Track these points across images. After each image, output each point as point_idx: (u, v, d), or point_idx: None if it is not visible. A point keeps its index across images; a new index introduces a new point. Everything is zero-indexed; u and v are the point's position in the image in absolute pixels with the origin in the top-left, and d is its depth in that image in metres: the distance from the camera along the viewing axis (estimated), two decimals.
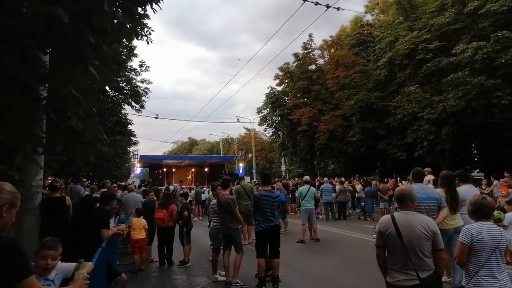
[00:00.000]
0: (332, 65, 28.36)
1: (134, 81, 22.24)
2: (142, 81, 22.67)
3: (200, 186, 20.17)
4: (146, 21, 4.38)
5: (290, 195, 16.94)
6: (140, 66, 21.96)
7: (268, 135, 40.04)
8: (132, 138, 25.28)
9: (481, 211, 3.18)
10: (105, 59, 4.10)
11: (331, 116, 25.79)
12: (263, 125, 34.04)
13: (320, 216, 15.04)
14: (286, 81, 30.95)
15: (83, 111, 4.11)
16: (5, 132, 3.91)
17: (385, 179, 19.11)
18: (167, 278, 7.01)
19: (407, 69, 21.34)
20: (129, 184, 13.22)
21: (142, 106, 22.91)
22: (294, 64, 30.16)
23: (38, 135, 3.92)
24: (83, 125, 4.14)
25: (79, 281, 2.62)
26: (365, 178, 25.03)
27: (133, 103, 22.38)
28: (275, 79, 31.70)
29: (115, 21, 3.68)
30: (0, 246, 1.85)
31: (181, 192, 11.02)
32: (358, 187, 17.05)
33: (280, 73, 30.98)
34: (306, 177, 12.23)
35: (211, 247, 7.25)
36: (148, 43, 4.78)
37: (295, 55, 29.69)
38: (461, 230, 3.23)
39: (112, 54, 4.43)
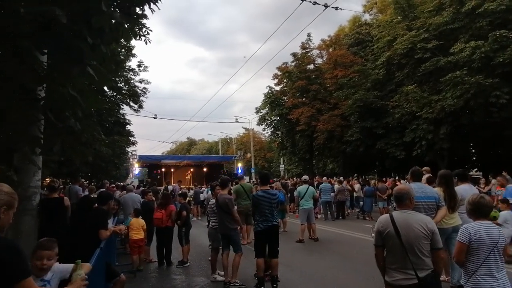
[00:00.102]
0: (330, 65, 28.39)
1: (132, 81, 22.25)
2: (141, 81, 22.69)
3: (199, 186, 20.17)
4: (144, 21, 4.37)
5: (289, 195, 16.94)
6: (139, 66, 21.99)
7: (267, 134, 40.12)
8: (130, 138, 25.27)
9: (479, 210, 3.18)
10: (103, 59, 4.09)
11: (330, 115, 25.82)
12: (261, 125, 34.06)
13: (319, 216, 15.05)
14: (285, 80, 30.97)
15: (81, 111, 4.11)
16: (3, 132, 3.90)
17: (384, 179, 19.15)
18: (166, 278, 7.01)
19: (405, 69, 21.37)
20: (128, 184, 13.19)
21: (140, 106, 22.91)
22: (293, 64, 30.18)
23: (36, 136, 3.91)
24: (81, 125, 4.13)
25: (77, 282, 2.61)
26: (364, 178, 25.08)
27: (131, 103, 22.37)
28: (273, 79, 31.77)
29: (113, 21, 3.68)
30: None
31: (180, 192, 11.01)
32: (357, 186, 17.07)
33: (279, 73, 30.99)
34: (305, 177, 12.23)
35: (210, 247, 7.24)
36: (146, 43, 4.76)
37: (294, 54, 29.72)
38: (459, 229, 3.24)
39: (110, 54, 4.43)
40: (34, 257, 2.80)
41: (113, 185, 15.60)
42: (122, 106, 22.20)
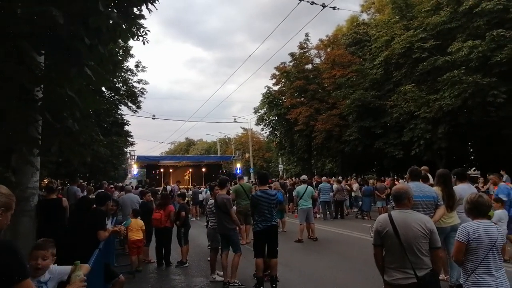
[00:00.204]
0: (328, 65, 28.42)
1: (130, 81, 22.19)
2: (139, 82, 22.65)
3: (198, 186, 20.15)
4: (142, 21, 4.38)
5: (287, 195, 16.96)
6: (136, 66, 21.94)
7: (265, 134, 40.05)
8: (128, 138, 25.21)
9: (477, 209, 3.19)
10: (100, 59, 4.09)
11: (328, 115, 25.84)
12: (260, 125, 34.03)
13: (318, 216, 15.06)
14: (283, 80, 30.97)
15: (79, 112, 4.10)
16: (1, 133, 3.89)
17: (382, 178, 19.17)
18: (165, 278, 7.00)
19: (403, 68, 21.42)
20: (126, 185, 13.18)
21: (138, 107, 22.88)
22: (291, 64, 30.19)
23: (34, 136, 3.89)
24: (79, 126, 4.12)
25: (76, 283, 2.60)
26: (363, 177, 25.10)
27: (129, 104, 22.34)
28: (271, 79, 31.77)
29: (111, 22, 3.67)
30: None
31: (179, 192, 10.99)
32: (355, 186, 17.08)
33: (277, 73, 31.00)
34: (304, 177, 12.24)
35: (209, 247, 7.24)
36: (144, 43, 4.76)
37: (292, 54, 29.72)
38: (458, 228, 3.24)
39: (107, 55, 4.42)
40: (30, 257, 2.81)
41: (112, 186, 15.58)
42: (120, 107, 22.17)
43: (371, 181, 17.43)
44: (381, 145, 22.39)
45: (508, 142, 17.29)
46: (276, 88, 31.91)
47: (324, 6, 13.45)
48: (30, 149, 3.93)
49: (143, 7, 4.26)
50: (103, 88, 16.44)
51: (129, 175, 48.13)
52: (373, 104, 22.94)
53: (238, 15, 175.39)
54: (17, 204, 2.17)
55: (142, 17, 4.28)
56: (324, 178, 17.00)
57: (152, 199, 9.13)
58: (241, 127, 52.68)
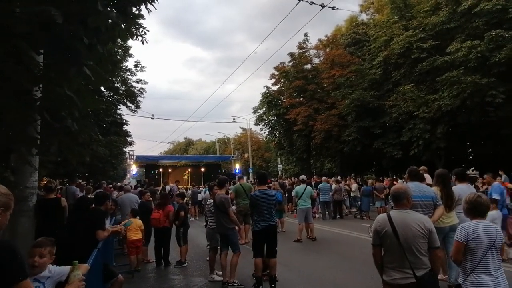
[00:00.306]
0: (327, 65, 28.42)
1: (129, 81, 22.14)
2: (138, 81, 22.60)
3: (197, 186, 20.16)
4: (141, 21, 4.37)
5: (286, 195, 16.96)
6: (136, 66, 21.89)
7: (264, 134, 40.08)
8: (127, 138, 25.17)
9: (476, 209, 3.19)
10: (99, 59, 4.09)
11: (327, 115, 25.85)
12: (259, 124, 34.01)
13: (317, 215, 15.07)
14: (282, 80, 30.96)
15: (77, 112, 4.09)
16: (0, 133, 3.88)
17: (381, 178, 19.17)
18: (164, 278, 7.00)
19: (402, 68, 21.43)
20: (125, 185, 13.16)
21: (137, 106, 22.84)
22: (290, 64, 30.17)
23: (33, 136, 3.89)
24: (78, 125, 4.11)
25: (75, 283, 2.60)
26: (362, 177, 25.12)
27: (128, 103, 22.29)
28: (271, 79, 31.74)
29: (110, 21, 3.67)
30: None
31: (178, 192, 10.99)
32: (354, 186, 17.09)
33: (276, 73, 30.99)
34: (303, 177, 12.24)
35: (208, 247, 7.24)
36: (143, 43, 4.76)
37: (291, 54, 29.69)
38: (456, 228, 3.25)
39: (106, 54, 4.42)
40: (27, 255, 2.81)
41: (111, 186, 15.56)
42: (119, 106, 22.11)
43: (370, 181, 17.44)
44: (380, 145, 22.41)
45: (507, 142, 17.33)
46: (275, 88, 31.93)
47: (323, 6, 13.46)
48: (29, 148, 3.92)
49: (142, 7, 4.26)
50: (102, 88, 16.41)
51: (128, 175, 48.09)
52: (372, 104, 22.95)
53: (237, 15, 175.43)
54: (16, 204, 2.17)
55: (141, 16, 4.28)
56: (324, 178, 17.00)
57: (151, 199, 9.12)
58: (240, 127, 52.75)
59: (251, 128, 45.53)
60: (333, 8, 14.43)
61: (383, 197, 14.43)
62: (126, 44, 17.95)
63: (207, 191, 11.18)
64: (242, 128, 51.10)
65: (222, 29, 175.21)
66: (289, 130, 29.84)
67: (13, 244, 2.01)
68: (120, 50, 18.05)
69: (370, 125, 23.04)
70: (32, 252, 2.83)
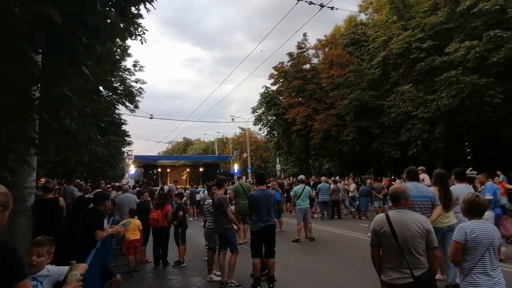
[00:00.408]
0: (326, 65, 28.42)
1: (128, 81, 22.14)
2: (136, 81, 22.60)
3: (195, 186, 20.15)
4: (140, 20, 4.36)
5: (285, 195, 16.96)
6: (134, 66, 21.89)
7: (263, 134, 40.04)
8: (126, 138, 25.18)
9: (474, 209, 3.20)
10: (98, 59, 4.08)
11: (326, 115, 25.85)
12: (258, 124, 34.01)
13: (315, 215, 15.08)
14: (281, 80, 30.95)
15: (76, 111, 4.08)
16: None
17: (380, 178, 19.19)
18: (162, 278, 6.99)
19: (400, 68, 21.44)
20: (124, 185, 13.15)
21: (136, 106, 22.83)
22: (289, 64, 30.17)
23: (31, 136, 3.88)
24: (76, 125, 4.11)
25: (73, 282, 2.60)
26: (361, 178, 25.14)
27: (127, 103, 22.28)
28: (269, 79, 31.72)
29: (108, 21, 3.66)
30: None
31: (176, 192, 10.98)
32: (352, 186, 17.11)
33: (275, 73, 30.97)
34: (301, 177, 12.25)
35: (206, 247, 7.24)
36: (142, 42, 4.75)
37: (290, 54, 29.69)
38: (454, 228, 3.25)
39: (105, 54, 4.40)
40: (26, 254, 2.81)
41: (109, 186, 15.54)
42: (117, 106, 22.10)
43: (368, 181, 17.46)
44: (379, 145, 22.42)
45: (505, 142, 17.35)
46: (274, 88, 31.92)
47: (322, 6, 13.47)
48: (27, 148, 3.91)
49: (141, 6, 4.25)
50: (101, 88, 16.41)
51: (127, 175, 48.09)
52: (371, 104, 22.97)
53: (236, 15, 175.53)
54: (14, 203, 2.17)
55: (140, 16, 4.27)
56: (323, 178, 17.02)
57: (149, 199, 9.12)
58: (239, 127, 52.80)
59: (249, 128, 45.53)
60: (332, 8, 14.47)
61: (382, 197, 14.46)
62: (125, 43, 17.95)
63: (206, 191, 11.18)
64: (241, 128, 51.16)
65: (221, 29, 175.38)
66: (288, 130, 29.84)
67: (12, 244, 2.01)
68: (118, 50, 18.04)
69: (369, 125, 23.05)
70: (30, 251, 2.83)
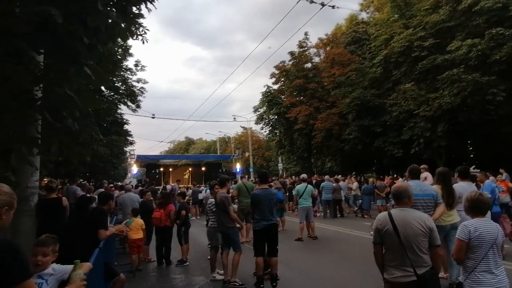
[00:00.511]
0: (328, 63, 28.40)
1: (129, 80, 22.15)
2: (138, 81, 22.61)
3: (197, 185, 20.16)
4: (141, 20, 4.36)
5: (287, 193, 16.96)
6: (136, 65, 21.90)
7: (265, 133, 40.06)
8: (128, 138, 25.17)
9: (478, 207, 3.19)
10: (100, 59, 4.08)
11: (328, 114, 25.82)
12: (259, 123, 33.98)
13: (318, 214, 15.07)
14: (282, 79, 30.94)
15: (78, 111, 4.09)
16: (0, 133, 3.88)
17: (382, 176, 19.16)
18: (165, 277, 7.01)
19: (402, 67, 21.40)
20: (126, 184, 13.17)
21: (138, 106, 22.86)
22: (290, 63, 30.15)
23: (33, 136, 3.89)
24: (78, 125, 4.11)
25: (76, 282, 2.61)
26: (364, 176, 25.10)
27: (129, 103, 22.32)
28: (271, 78, 31.72)
29: (109, 21, 3.67)
30: None
31: (179, 191, 11.00)
32: (354, 184, 17.08)
33: (276, 72, 30.96)
34: (303, 175, 12.24)
35: (209, 246, 7.25)
36: (143, 42, 4.76)
37: (291, 53, 29.66)
38: (458, 227, 3.24)
39: (107, 54, 4.41)
40: (31, 254, 2.82)
41: (112, 185, 15.57)
42: (119, 106, 22.11)
43: (371, 179, 17.43)
44: (381, 143, 22.38)
45: (507, 140, 17.30)
46: (275, 87, 31.90)
47: (323, 4, 13.45)
48: (29, 148, 3.93)
49: (142, 6, 4.25)
50: (103, 88, 16.42)
51: (129, 174, 48.03)
52: (373, 103, 22.94)
53: (237, 14, 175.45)
54: (17, 203, 2.18)
55: (141, 16, 4.28)
56: (326, 176, 16.99)
57: (152, 198, 9.13)
58: (240, 126, 52.74)
59: (251, 127, 45.55)
60: (333, 7, 14.47)
61: (384, 195, 14.44)
62: (126, 43, 17.95)
63: (208, 190, 11.19)
64: (243, 127, 51.13)
65: (221, 28, 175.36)
66: (290, 129, 29.82)
67: (16, 244, 2.01)
68: (120, 50, 18.06)
69: (371, 123, 23.02)
70: (35, 251, 2.84)
